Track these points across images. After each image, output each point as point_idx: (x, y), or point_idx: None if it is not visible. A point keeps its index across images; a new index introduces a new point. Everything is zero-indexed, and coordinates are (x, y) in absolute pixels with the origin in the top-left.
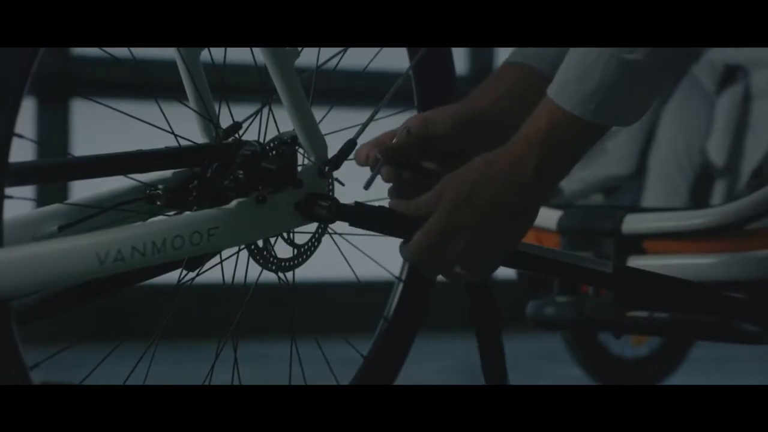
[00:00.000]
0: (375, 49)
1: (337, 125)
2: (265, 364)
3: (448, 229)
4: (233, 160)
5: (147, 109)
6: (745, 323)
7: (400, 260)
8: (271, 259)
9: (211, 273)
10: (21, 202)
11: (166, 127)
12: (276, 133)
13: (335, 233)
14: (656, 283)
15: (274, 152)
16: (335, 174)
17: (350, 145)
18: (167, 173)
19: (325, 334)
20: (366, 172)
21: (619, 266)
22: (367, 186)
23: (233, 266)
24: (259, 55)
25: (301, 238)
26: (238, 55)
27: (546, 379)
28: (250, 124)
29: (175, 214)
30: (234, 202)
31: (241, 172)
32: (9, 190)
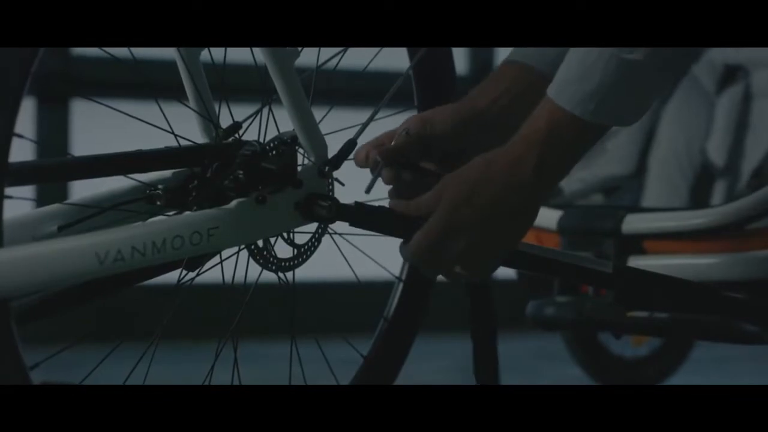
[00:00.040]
0: (375, 49)
1: (337, 125)
2: (265, 364)
3: (448, 229)
4: (233, 160)
5: (147, 109)
6: (745, 323)
7: (400, 260)
8: (271, 259)
9: (211, 273)
10: (21, 202)
11: (166, 127)
12: (276, 133)
13: (335, 233)
14: (656, 283)
15: (274, 152)
16: (335, 174)
17: (350, 145)
18: (167, 173)
19: (325, 334)
20: (365, 171)
21: (619, 266)
22: (368, 190)
23: (233, 266)
24: (259, 55)
25: (301, 238)
26: (238, 55)
27: (546, 379)
28: (250, 124)
29: (174, 214)
30: (234, 202)
31: (241, 172)
32: (9, 190)
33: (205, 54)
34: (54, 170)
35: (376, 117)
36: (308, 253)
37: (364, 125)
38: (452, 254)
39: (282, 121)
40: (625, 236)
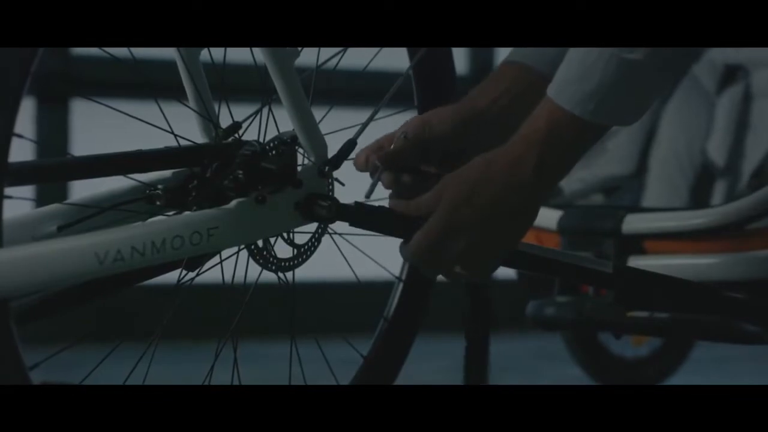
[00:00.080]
0: (375, 49)
1: (337, 125)
2: (265, 364)
3: (448, 229)
4: (233, 160)
5: (147, 109)
6: (745, 323)
7: (400, 260)
8: (271, 259)
9: (211, 273)
10: (20, 202)
11: (166, 127)
12: (276, 133)
13: (335, 233)
14: (656, 283)
15: (273, 152)
16: (335, 174)
17: (350, 145)
18: (167, 173)
19: (325, 334)
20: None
21: (619, 266)
22: (368, 194)
23: (233, 266)
24: (259, 55)
25: (301, 238)
26: (238, 55)
27: (546, 379)
28: (250, 124)
29: (174, 214)
30: (234, 202)
31: (240, 172)
32: (8, 190)
33: (204, 54)
34: (54, 170)
35: (376, 117)
36: (308, 253)
37: (364, 125)
38: (452, 254)
39: (282, 121)
40: (625, 236)
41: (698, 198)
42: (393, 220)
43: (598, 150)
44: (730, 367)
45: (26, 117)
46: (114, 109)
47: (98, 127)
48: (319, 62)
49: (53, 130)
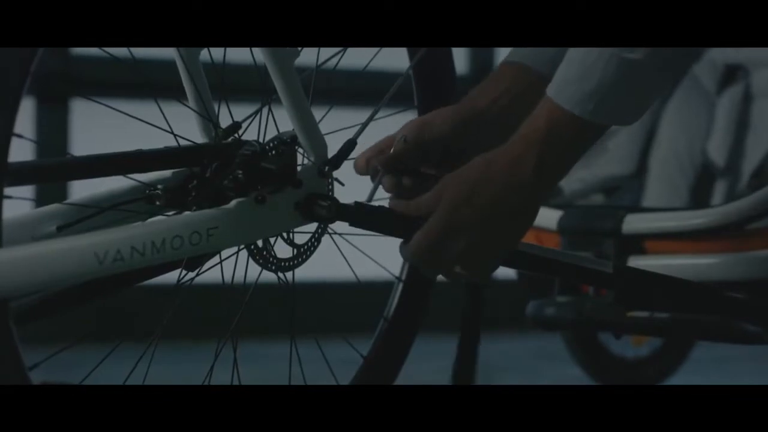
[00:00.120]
0: (375, 49)
1: (337, 125)
2: (265, 364)
3: (448, 229)
4: (233, 159)
5: (147, 109)
6: (745, 323)
7: (400, 260)
8: (271, 259)
9: (211, 273)
10: (20, 202)
11: (166, 127)
12: (276, 133)
13: (335, 233)
14: (657, 283)
15: (273, 152)
16: (335, 174)
17: (350, 144)
18: (166, 173)
19: (325, 334)
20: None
21: (619, 266)
22: (369, 198)
23: (233, 266)
24: (259, 54)
25: (301, 238)
26: (238, 54)
27: (546, 379)
28: (250, 123)
29: (174, 214)
30: (233, 202)
31: (240, 171)
32: (8, 190)
33: (204, 54)
34: (53, 170)
35: (376, 117)
36: (308, 253)
37: (364, 125)
38: (452, 254)
39: (282, 120)
40: (626, 236)
41: (698, 198)
42: (393, 220)
43: (598, 150)
44: (730, 367)
45: (26, 117)
46: (114, 109)
47: (98, 127)
48: (319, 62)
49: (53, 130)
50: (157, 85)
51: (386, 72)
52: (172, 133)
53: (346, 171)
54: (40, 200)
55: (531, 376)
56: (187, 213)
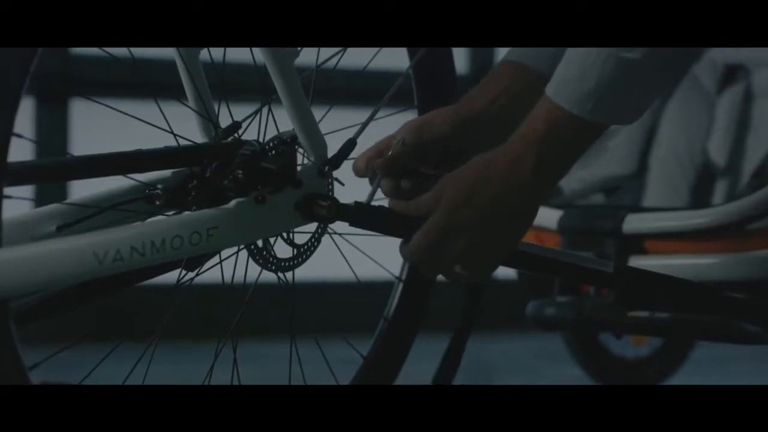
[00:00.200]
0: (375, 49)
1: (337, 125)
2: (265, 364)
3: (447, 229)
4: (232, 159)
5: (146, 109)
6: (745, 323)
7: (400, 260)
8: (271, 259)
9: (211, 273)
10: (20, 201)
11: (166, 126)
12: (276, 133)
13: (335, 233)
14: (657, 283)
15: (273, 152)
16: (335, 174)
17: (350, 144)
18: (166, 173)
19: (325, 334)
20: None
21: (619, 266)
22: (368, 201)
23: (233, 266)
24: (259, 54)
25: (300, 238)
26: (238, 54)
27: (546, 379)
28: (250, 123)
29: (174, 214)
30: (233, 202)
31: (240, 171)
32: (8, 190)
33: (204, 54)
34: (53, 170)
35: (376, 117)
36: (308, 253)
37: (364, 125)
38: (452, 254)
39: (282, 120)
40: (626, 236)
41: (699, 198)
42: (393, 220)
43: (598, 150)
44: (730, 367)
45: (26, 117)
46: (114, 109)
47: (98, 127)
48: (319, 62)
49: (53, 130)
50: (157, 85)
51: (386, 72)
52: (171, 132)
53: (346, 171)
54: (39, 200)
55: (531, 376)
56: (186, 213)
